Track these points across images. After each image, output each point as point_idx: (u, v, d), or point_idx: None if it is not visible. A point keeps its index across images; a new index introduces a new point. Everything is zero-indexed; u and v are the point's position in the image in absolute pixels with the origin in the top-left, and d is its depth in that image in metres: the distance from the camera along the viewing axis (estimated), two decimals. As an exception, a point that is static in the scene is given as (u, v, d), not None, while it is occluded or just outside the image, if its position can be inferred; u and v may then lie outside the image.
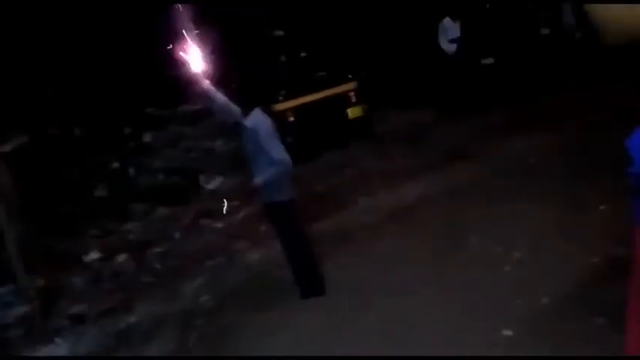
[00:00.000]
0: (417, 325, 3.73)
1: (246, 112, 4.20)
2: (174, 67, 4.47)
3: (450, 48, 9.17)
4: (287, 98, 8.26)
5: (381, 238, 5.32)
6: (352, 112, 8.54)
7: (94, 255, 6.19)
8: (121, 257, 6.10)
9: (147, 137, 10.06)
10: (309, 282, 4.44)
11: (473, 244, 4.72)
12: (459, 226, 5.08)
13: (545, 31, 9.85)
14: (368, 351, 3.59)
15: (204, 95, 4.28)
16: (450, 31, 9.15)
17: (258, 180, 4.14)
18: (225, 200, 6.58)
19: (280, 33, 9.28)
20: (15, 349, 4.67)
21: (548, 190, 5.35)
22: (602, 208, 4.78)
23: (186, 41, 4.07)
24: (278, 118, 8.16)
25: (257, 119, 4.15)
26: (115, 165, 8.99)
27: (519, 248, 4.43)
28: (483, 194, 5.69)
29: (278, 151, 4.09)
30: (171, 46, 4.13)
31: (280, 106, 8.18)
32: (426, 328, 3.67)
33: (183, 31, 4.06)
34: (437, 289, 4.13)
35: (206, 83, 4.18)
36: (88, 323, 4.92)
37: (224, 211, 6.41)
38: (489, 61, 9.09)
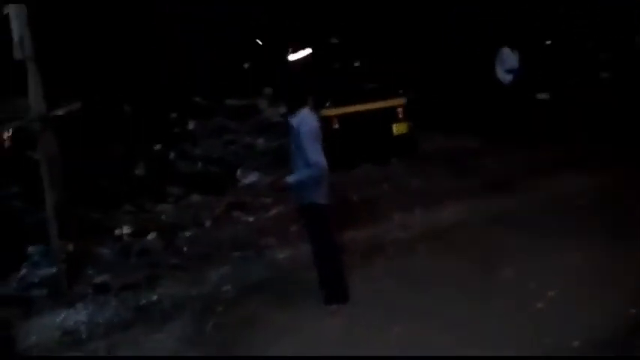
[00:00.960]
0: (436, 349, 3.61)
1: (293, 110, 4.18)
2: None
3: (506, 78, 9.04)
4: (335, 105, 8.25)
5: (413, 256, 5.22)
6: (397, 128, 8.47)
7: (125, 230, 6.25)
8: (151, 236, 6.14)
9: (191, 125, 10.20)
10: (334, 288, 4.37)
11: (506, 275, 4.58)
12: (495, 256, 4.94)
13: (604, 74, 9.65)
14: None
15: None
16: (507, 60, 9.03)
17: (290, 179, 4.12)
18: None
19: (335, 41, 9.32)
20: (37, 309, 4.72)
21: (592, 235, 5.17)
22: (642, 260, 4.60)
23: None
24: (323, 124, 8.19)
25: (302, 118, 4.11)
26: (157, 147, 9.12)
27: (554, 287, 4.27)
28: (523, 228, 5.52)
29: (315, 154, 4.03)
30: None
31: (327, 112, 8.17)
32: (445, 353, 3.56)
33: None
34: (463, 316, 4.01)
35: None
36: (110, 294, 4.94)
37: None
38: (545, 96, 8.93)
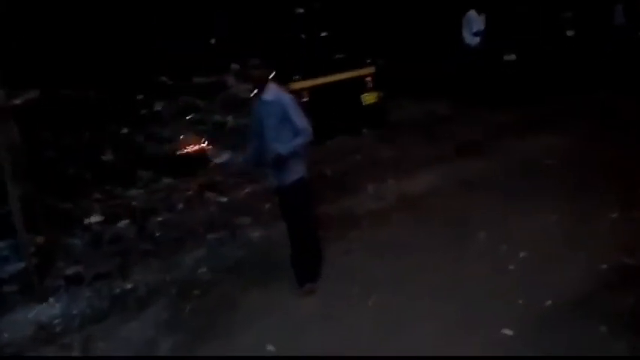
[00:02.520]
0: (413, 320, 3.66)
1: (260, 87, 4.15)
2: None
3: (473, 41, 9.00)
4: (303, 78, 8.13)
5: (388, 226, 5.23)
6: (367, 98, 8.40)
7: (95, 218, 6.12)
8: (122, 223, 6.04)
9: (158, 106, 9.98)
10: (312, 266, 4.36)
11: (480, 240, 4.63)
12: (468, 221, 4.99)
13: (570, 32, 9.67)
14: (359, 342, 3.52)
15: None
16: (474, 23, 8.98)
17: (282, 149, 4.03)
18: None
19: (301, 10, 9.11)
20: (8, 306, 4.63)
21: (560, 194, 5.24)
22: (613, 216, 4.67)
23: None
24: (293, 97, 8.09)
25: (277, 93, 4.14)
26: (125, 131, 8.91)
27: (526, 248, 4.33)
28: (494, 191, 5.57)
29: (303, 120, 4.11)
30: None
31: (296, 85, 8.05)
32: (423, 323, 3.60)
33: None
34: (438, 282, 4.05)
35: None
36: (84, 285, 4.87)
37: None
38: (512, 57, 8.92)
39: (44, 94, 5.34)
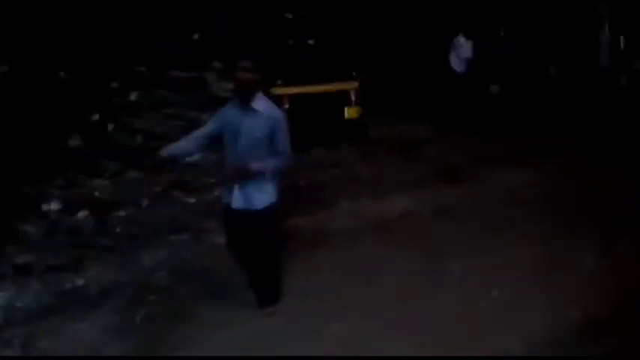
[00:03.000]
0: (376, 347, 3.48)
1: (247, 93, 3.64)
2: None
3: (460, 67, 8.97)
4: (286, 84, 7.96)
5: (359, 247, 5.08)
6: (349, 112, 8.29)
7: (53, 206, 5.81)
8: (82, 213, 5.74)
9: (133, 96, 9.67)
10: (272, 288, 4.08)
11: (451, 271, 4.49)
12: (441, 249, 4.86)
13: (554, 69, 9.76)
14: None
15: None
16: (462, 49, 8.96)
17: (258, 165, 3.64)
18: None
19: (290, 16, 8.98)
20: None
21: (537, 231, 5.16)
22: (588, 260, 4.59)
23: None
24: (273, 103, 7.90)
25: (268, 105, 3.73)
26: (95, 117, 8.58)
27: (498, 286, 4.20)
28: (470, 221, 5.49)
29: (287, 144, 3.79)
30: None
31: (278, 91, 7.89)
32: (386, 351, 3.42)
33: None
34: (405, 312, 3.89)
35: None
36: (33, 276, 4.55)
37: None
38: (496, 88, 8.93)
39: (13, 70, 5.01)
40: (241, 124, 3.66)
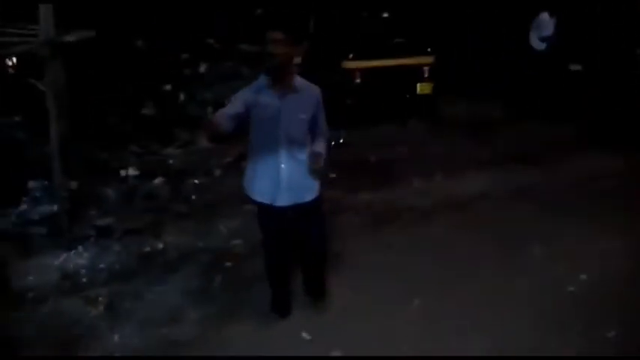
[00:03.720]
0: (459, 332, 3.38)
1: (282, 70, 3.12)
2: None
3: (540, 46, 8.56)
4: (357, 57, 7.82)
5: (432, 226, 4.95)
6: (421, 88, 8.06)
7: (131, 171, 5.95)
8: (158, 180, 5.85)
9: (202, 68, 9.79)
10: (323, 284, 3.79)
11: (534, 254, 4.32)
12: (520, 232, 4.68)
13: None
14: (400, 347, 3.27)
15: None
16: (544, 27, 8.52)
17: (322, 150, 3.26)
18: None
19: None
20: (36, 249, 4.47)
21: (624, 219, 4.90)
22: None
23: None
24: (344, 77, 7.82)
25: (305, 82, 3.28)
26: (167, 87, 8.74)
27: (587, 270, 4.02)
28: (549, 205, 5.26)
29: (325, 123, 3.42)
30: None
31: (349, 64, 7.77)
32: (470, 337, 3.33)
33: None
34: (489, 294, 3.78)
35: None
36: (113, 238, 4.69)
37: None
38: (577, 67, 8.46)
39: (98, 37, 5.11)
40: (280, 107, 3.14)
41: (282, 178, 3.23)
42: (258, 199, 3.33)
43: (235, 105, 3.12)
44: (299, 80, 3.24)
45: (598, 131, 7.46)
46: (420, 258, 4.32)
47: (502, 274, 4.03)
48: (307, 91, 3.26)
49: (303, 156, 3.24)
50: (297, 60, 8.73)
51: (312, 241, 3.55)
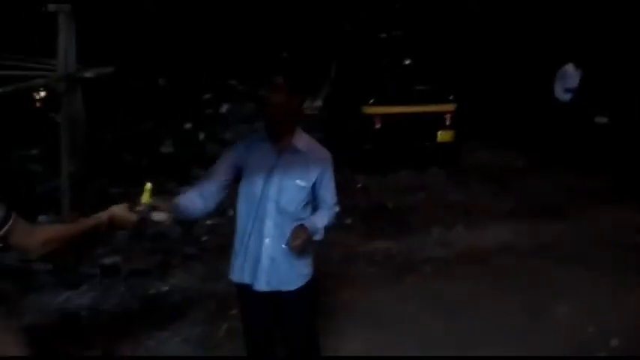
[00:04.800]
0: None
1: (280, 124, 2.54)
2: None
3: (564, 97, 8.42)
4: (378, 103, 7.74)
5: (451, 279, 4.71)
6: (442, 136, 7.92)
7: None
8: (169, 219, 5.71)
9: (224, 108, 9.85)
10: None
11: (559, 314, 4.05)
12: (544, 289, 4.42)
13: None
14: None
15: None
16: (569, 79, 8.40)
17: (313, 224, 2.59)
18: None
19: (384, 35, 8.77)
20: (37, 284, 4.33)
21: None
22: None
23: None
24: (364, 122, 7.74)
25: (311, 142, 2.68)
26: (187, 126, 8.76)
27: (617, 334, 3.73)
28: (576, 261, 4.98)
29: (335, 196, 2.73)
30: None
31: (370, 110, 7.69)
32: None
33: None
34: (509, 352, 3.51)
35: None
36: (118, 278, 4.54)
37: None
38: (603, 120, 8.29)
39: (118, 73, 5.10)
40: (274, 168, 2.56)
41: (264, 256, 2.59)
42: (236, 278, 2.68)
43: (217, 171, 2.63)
44: (305, 139, 2.64)
45: (623, 184, 7.21)
46: (438, 314, 4.08)
47: (526, 338, 3.75)
48: (313, 153, 2.63)
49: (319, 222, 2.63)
50: (312, 109, 8.55)
51: (295, 341, 2.79)
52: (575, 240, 5.57)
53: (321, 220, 2.62)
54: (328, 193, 2.67)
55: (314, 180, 2.61)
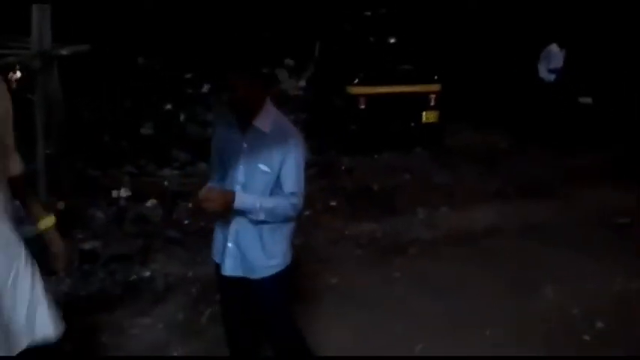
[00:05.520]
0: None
1: (246, 106, 2.43)
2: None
3: (548, 77, 8.38)
4: (363, 83, 7.62)
5: (438, 260, 4.67)
6: (427, 116, 7.83)
7: (123, 192, 5.69)
8: (150, 202, 5.59)
9: (205, 88, 9.63)
10: None
11: (546, 296, 4.04)
12: (532, 270, 4.40)
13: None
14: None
15: None
16: (553, 59, 8.35)
17: (250, 201, 2.43)
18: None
19: (368, 14, 8.60)
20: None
21: (637, 256, 4.62)
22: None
23: None
24: (348, 102, 7.62)
25: (279, 122, 2.51)
26: (168, 107, 8.56)
27: (602, 316, 3.73)
28: (559, 241, 4.96)
29: (300, 185, 2.51)
30: None
31: (354, 90, 7.57)
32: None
33: None
34: (499, 338, 3.49)
35: None
36: (98, 264, 4.41)
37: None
38: (587, 100, 8.27)
39: (95, 51, 4.92)
40: (240, 152, 2.48)
41: (230, 240, 2.53)
42: (214, 258, 2.68)
43: (213, 163, 2.65)
44: (272, 119, 2.47)
45: (607, 165, 7.21)
46: (426, 296, 4.04)
47: (513, 319, 3.73)
48: (278, 136, 2.45)
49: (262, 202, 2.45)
50: (296, 89, 8.34)
51: (272, 335, 2.76)
52: (562, 221, 5.54)
53: (265, 201, 2.44)
54: (288, 180, 2.46)
55: (278, 165, 2.45)
